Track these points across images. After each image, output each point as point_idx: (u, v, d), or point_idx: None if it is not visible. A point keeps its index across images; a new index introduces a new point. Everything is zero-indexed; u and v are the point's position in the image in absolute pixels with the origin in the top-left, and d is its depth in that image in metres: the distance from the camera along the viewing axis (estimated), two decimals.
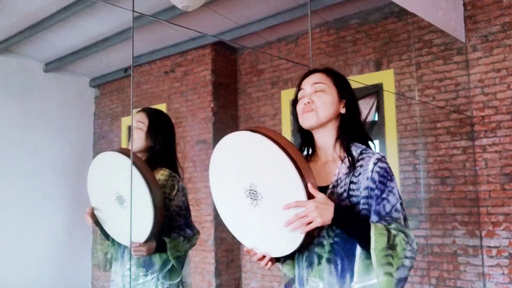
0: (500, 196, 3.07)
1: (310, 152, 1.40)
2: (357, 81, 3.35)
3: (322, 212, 1.12)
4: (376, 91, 3.68)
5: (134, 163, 1.62)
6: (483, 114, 3.18)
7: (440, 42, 3.40)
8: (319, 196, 1.13)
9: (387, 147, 3.57)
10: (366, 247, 1.15)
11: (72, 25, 3.79)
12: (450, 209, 3.28)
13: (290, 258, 1.36)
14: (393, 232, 1.15)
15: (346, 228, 1.18)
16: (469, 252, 3.16)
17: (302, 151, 1.41)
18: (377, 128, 3.65)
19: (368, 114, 3.68)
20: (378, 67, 3.69)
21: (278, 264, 1.39)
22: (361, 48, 3.80)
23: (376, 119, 3.69)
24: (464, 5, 3.32)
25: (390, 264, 1.13)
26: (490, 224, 3.09)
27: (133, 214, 1.64)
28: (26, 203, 4.40)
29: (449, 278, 3.24)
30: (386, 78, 3.64)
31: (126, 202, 1.66)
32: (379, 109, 3.67)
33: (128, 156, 1.65)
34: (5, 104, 4.37)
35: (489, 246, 3.08)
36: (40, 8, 3.52)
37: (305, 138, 1.39)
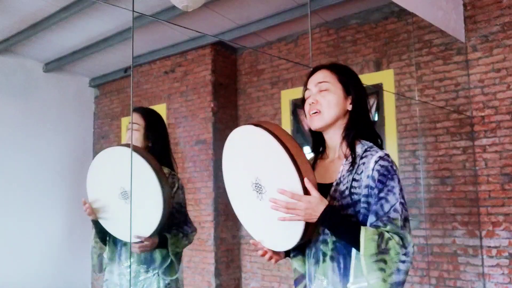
0: (500, 196, 3.07)
1: (321, 150, 1.39)
2: None
3: (308, 213, 1.13)
4: (376, 91, 3.69)
5: (143, 157, 1.63)
6: (483, 114, 3.18)
7: (440, 42, 3.40)
8: (314, 195, 1.13)
9: (387, 147, 3.57)
10: (359, 249, 1.14)
11: (72, 25, 3.79)
12: (450, 209, 3.28)
13: (301, 253, 1.35)
14: (386, 235, 1.12)
15: (334, 231, 1.18)
16: (469, 252, 3.16)
17: (316, 151, 1.41)
18: (377, 128, 3.64)
19: None
20: (378, 67, 3.69)
21: (288, 259, 1.39)
22: (361, 48, 3.80)
23: (376, 119, 3.69)
24: (464, 5, 3.32)
25: (382, 269, 1.10)
26: (490, 224, 3.09)
27: (140, 208, 1.65)
28: (26, 203, 4.40)
29: (449, 278, 3.24)
30: (386, 78, 3.64)
31: (132, 197, 1.66)
32: (379, 109, 3.67)
33: (138, 152, 1.65)
34: (5, 104, 4.37)
35: (489, 246, 3.08)
36: (40, 8, 3.52)
37: (316, 137, 1.38)
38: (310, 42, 2.94)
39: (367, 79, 3.63)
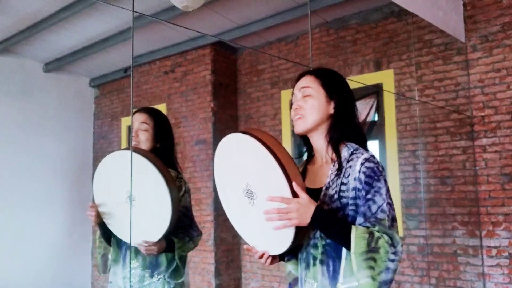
0: (500, 196, 3.07)
1: (311, 155, 1.42)
2: (357, 81, 3.35)
3: (300, 214, 1.14)
4: (376, 91, 3.68)
5: (151, 161, 1.62)
6: (483, 114, 3.19)
7: (440, 42, 3.40)
8: (303, 196, 1.15)
9: (387, 147, 3.57)
10: (349, 249, 1.16)
11: (72, 25, 3.79)
12: (450, 209, 3.28)
13: (295, 257, 1.38)
14: (376, 234, 1.14)
15: (325, 231, 1.19)
16: (469, 252, 3.16)
17: (303, 155, 1.44)
18: (377, 128, 3.65)
19: (368, 114, 3.68)
20: (378, 67, 3.69)
21: (283, 262, 1.41)
22: (361, 48, 3.80)
23: (376, 119, 3.69)
24: (464, 5, 3.32)
25: (371, 267, 1.12)
26: (490, 224, 3.09)
27: (149, 213, 1.64)
28: (26, 203, 4.41)
29: (449, 278, 3.24)
30: (386, 78, 3.64)
31: (139, 201, 1.64)
32: (379, 109, 3.67)
33: (143, 155, 1.63)
34: (5, 104, 4.37)
35: (489, 246, 3.08)
36: (40, 8, 3.52)
37: (305, 142, 1.41)
38: (310, 42, 2.94)
39: (367, 79, 3.63)
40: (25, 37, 3.94)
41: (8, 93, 4.40)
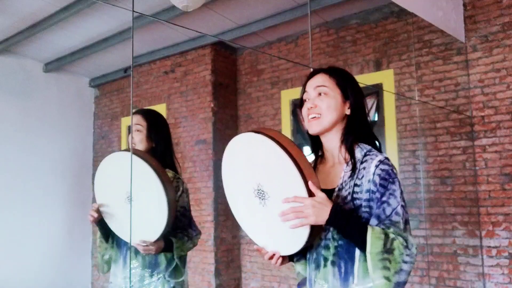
0: (500, 196, 3.07)
1: (319, 155, 1.40)
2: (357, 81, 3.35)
3: (317, 211, 1.13)
4: (376, 91, 3.69)
5: (148, 162, 1.63)
6: (483, 114, 3.19)
7: (440, 42, 3.40)
8: (319, 195, 1.14)
9: (387, 147, 3.57)
10: (364, 250, 1.15)
11: (72, 25, 3.79)
12: (450, 209, 3.28)
13: (304, 257, 1.37)
14: (391, 236, 1.14)
15: (342, 230, 1.18)
16: (469, 252, 3.16)
17: (314, 154, 1.42)
18: (377, 128, 3.65)
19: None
20: (378, 67, 3.69)
21: (292, 263, 1.40)
22: (361, 48, 3.80)
23: (376, 119, 3.69)
24: (464, 5, 3.32)
25: (387, 268, 1.12)
26: (490, 224, 3.09)
27: (145, 213, 1.65)
28: (26, 203, 4.40)
29: (449, 278, 3.24)
30: (386, 78, 3.64)
31: (136, 201, 1.66)
32: (379, 109, 3.67)
33: (138, 155, 1.65)
34: (5, 104, 4.37)
35: (489, 246, 3.08)
36: (40, 8, 3.52)
37: (314, 141, 1.39)
38: (310, 42, 2.94)
39: (367, 79, 3.63)
40: (25, 37, 3.94)
41: (8, 93, 4.39)
